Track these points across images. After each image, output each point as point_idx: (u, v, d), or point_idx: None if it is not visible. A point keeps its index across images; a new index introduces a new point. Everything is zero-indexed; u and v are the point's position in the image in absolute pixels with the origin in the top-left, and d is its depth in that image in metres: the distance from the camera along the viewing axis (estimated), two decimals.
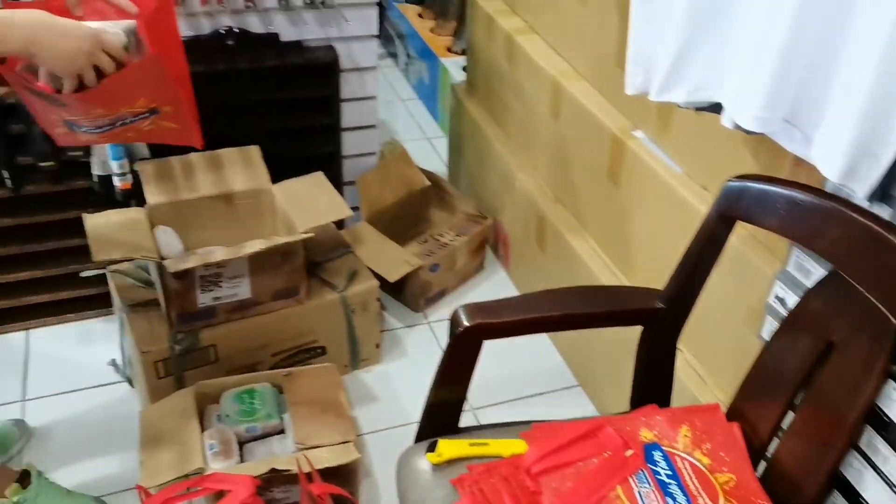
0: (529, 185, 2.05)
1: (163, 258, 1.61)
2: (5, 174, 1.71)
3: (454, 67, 2.83)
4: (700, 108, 1.15)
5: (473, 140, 2.39)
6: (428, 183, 2.32)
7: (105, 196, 1.76)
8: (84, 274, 1.83)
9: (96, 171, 1.76)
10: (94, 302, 1.95)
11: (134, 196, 1.77)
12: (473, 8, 2.29)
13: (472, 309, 1.14)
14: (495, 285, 2.25)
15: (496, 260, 2.34)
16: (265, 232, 1.87)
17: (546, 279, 2.01)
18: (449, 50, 2.95)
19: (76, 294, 1.92)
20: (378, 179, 2.19)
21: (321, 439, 1.53)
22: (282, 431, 1.60)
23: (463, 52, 2.87)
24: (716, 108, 1.11)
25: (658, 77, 1.09)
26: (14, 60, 1.15)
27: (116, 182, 1.74)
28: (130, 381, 1.85)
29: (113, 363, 1.88)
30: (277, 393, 1.67)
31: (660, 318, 1.20)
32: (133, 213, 1.71)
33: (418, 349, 2.02)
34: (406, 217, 2.26)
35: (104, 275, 1.80)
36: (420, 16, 3.20)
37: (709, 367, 1.49)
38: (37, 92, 1.15)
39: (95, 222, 1.64)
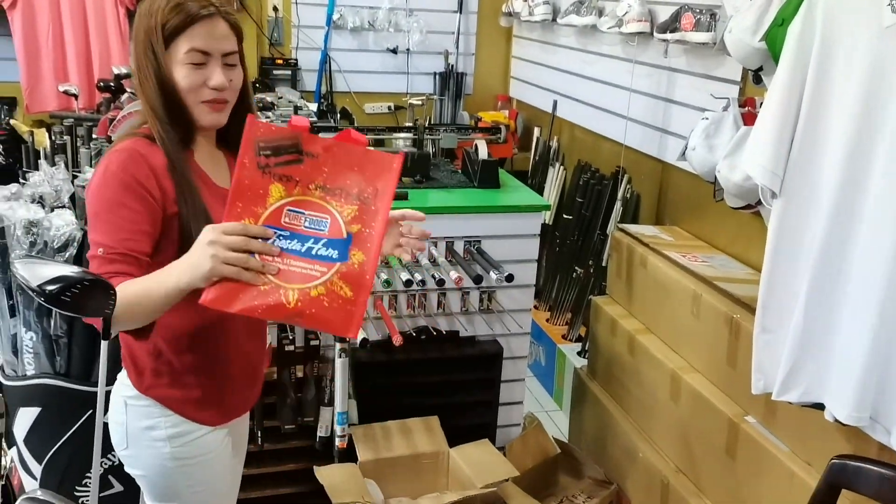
0: (652, 457, 2.48)
1: None
2: (258, 433, 2.25)
3: (570, 352, 3.39)
4: (806, 405, 1.63)
5: (595, 416, 2.87)
6: (558, 450, 2.76)
7: (325, 453, 2.27)
8: None
9: (321, 433, 2.29)
10: None
11: (347, 454, 2.27)
12: (596, 310, 2.90)
13: None
14: None
15: None
16: (441, 487, 2.32)
17: None
18: (563, 337, 3.54)
19: None
20: (521, 447, 2.66)
21: None
22: None
23: (577, 340, 3.45)
24: (819, 405, 1.59)
25: (776, 385, 1.59)
26: None
27: (337, 442, 2.26)
28: None
29: None
30: None
31: None
32: (350, 468, 2.20)
33: None
34: (541, 479, 2.68)
35: None
36: (535, 307, 3.86)
37: None
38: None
39: (326, 473, 2.13)
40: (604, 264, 3.24)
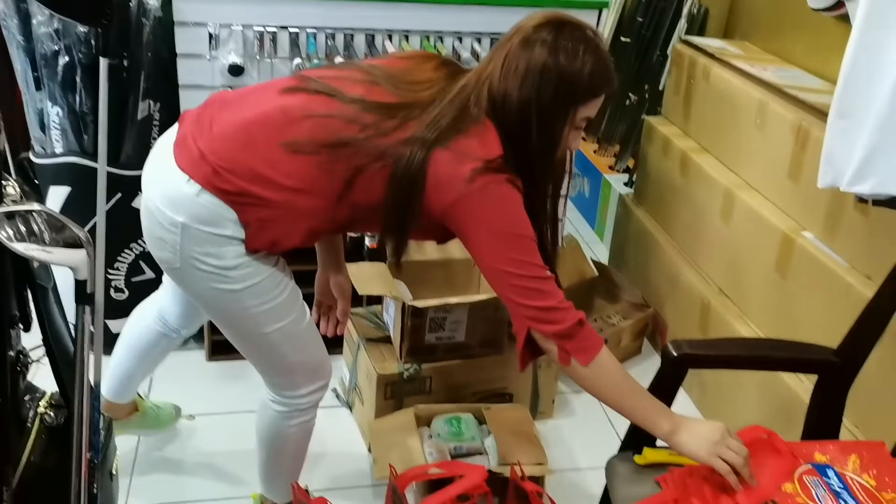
0: (695, 281, 2.38)
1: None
2: None
3: (616, 182, 3.24)
4: (877, 203, 1.48)
5: (638, 243, 2.75)
6: (596, 273, 2.68)
7: (355, 252, 2.21)
8: None
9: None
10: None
11: (378, 254, 2.21)
12: (649, 131, 2.71)
13: (681, 343, 1.47)
14: (650, 367, 2.53)
15: (651, 347, 2.64)
16: (472, 293, 2.26)
17: None
18: (610, 168, 3.38)
19: None
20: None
21: (520, 458, 1.83)
22: (481, 453, 1.92)
23: (625, 171, 3.29)
24: (891, 202, 1.44)
25: (848, 174, 1.43)
26: None
27: (367, 242, 2.19)
28: (350, 406, 2.23)
29: (335, 391, 2.28)
30: (478, 423, 2.00)
31: (833, 369, 1.48)
32: (380, 267, 2.14)
33: (586, 410, 2.31)
34: (576, 299, 2.60)
35: None
36: (583, 139, 3.67)
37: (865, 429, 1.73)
38: None
39: (355, 268, 2.07)
40: (661, 87, 3.02)
